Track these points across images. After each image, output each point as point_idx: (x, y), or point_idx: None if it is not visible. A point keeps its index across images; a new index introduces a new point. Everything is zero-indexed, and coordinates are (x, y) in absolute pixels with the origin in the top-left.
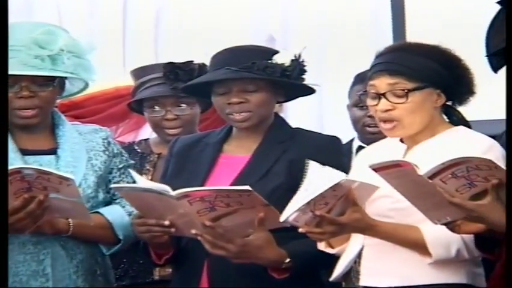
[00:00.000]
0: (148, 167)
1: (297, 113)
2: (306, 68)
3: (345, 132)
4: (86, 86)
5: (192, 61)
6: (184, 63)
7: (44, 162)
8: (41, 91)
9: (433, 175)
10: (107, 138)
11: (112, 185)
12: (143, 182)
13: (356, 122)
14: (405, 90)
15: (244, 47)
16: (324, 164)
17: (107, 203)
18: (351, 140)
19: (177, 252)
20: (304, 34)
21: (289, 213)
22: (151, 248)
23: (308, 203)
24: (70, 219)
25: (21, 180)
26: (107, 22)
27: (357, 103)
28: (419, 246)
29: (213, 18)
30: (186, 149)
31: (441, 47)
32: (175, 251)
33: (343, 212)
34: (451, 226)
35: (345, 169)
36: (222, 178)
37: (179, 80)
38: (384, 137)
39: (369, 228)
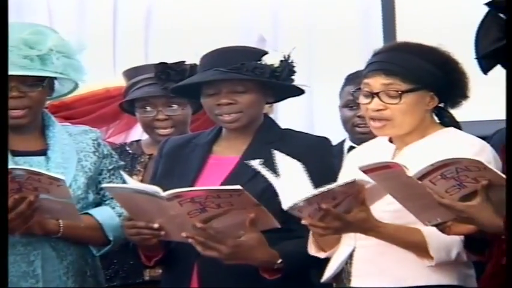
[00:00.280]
0: (138, 168)
1: (287, 114)
2: (295, 68)
3: (336, 133)
4: (76, 86)
5: (184, 61)
6: (175, 63)
7: (34, 163)
8: (31, 91)
9: (422, 176)
10: (97, 139)
11: (104, 185)
12: (133, 183)
13: (345, 122)
14: (399, 92)
15: (233, 48)
16: (313, 164)
17: (97, 204)
18: (343, 141)
19: (167, 254)
20: (294, 34)
21: (295, 201)
22: (140, 250)
23: (317, 195)
24: (60, 220)
25: (11, 181)
26: (97, 22)
27: (348, 104)
28: (419, 249)
29: (203, 18)
30: (176, 150)
31: (440, 49)
32: (165, 253)
33: (349, 210)
34: (441, 227)
35: (335, 170)
36: (212, 179)
37: (171, 80)
38: (374, 136)
39: (373, 229)
